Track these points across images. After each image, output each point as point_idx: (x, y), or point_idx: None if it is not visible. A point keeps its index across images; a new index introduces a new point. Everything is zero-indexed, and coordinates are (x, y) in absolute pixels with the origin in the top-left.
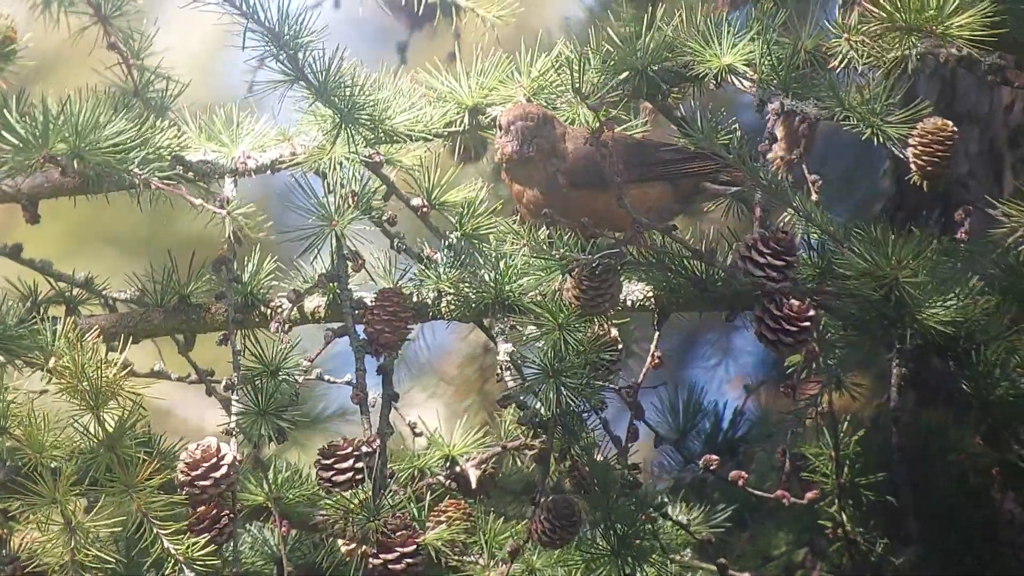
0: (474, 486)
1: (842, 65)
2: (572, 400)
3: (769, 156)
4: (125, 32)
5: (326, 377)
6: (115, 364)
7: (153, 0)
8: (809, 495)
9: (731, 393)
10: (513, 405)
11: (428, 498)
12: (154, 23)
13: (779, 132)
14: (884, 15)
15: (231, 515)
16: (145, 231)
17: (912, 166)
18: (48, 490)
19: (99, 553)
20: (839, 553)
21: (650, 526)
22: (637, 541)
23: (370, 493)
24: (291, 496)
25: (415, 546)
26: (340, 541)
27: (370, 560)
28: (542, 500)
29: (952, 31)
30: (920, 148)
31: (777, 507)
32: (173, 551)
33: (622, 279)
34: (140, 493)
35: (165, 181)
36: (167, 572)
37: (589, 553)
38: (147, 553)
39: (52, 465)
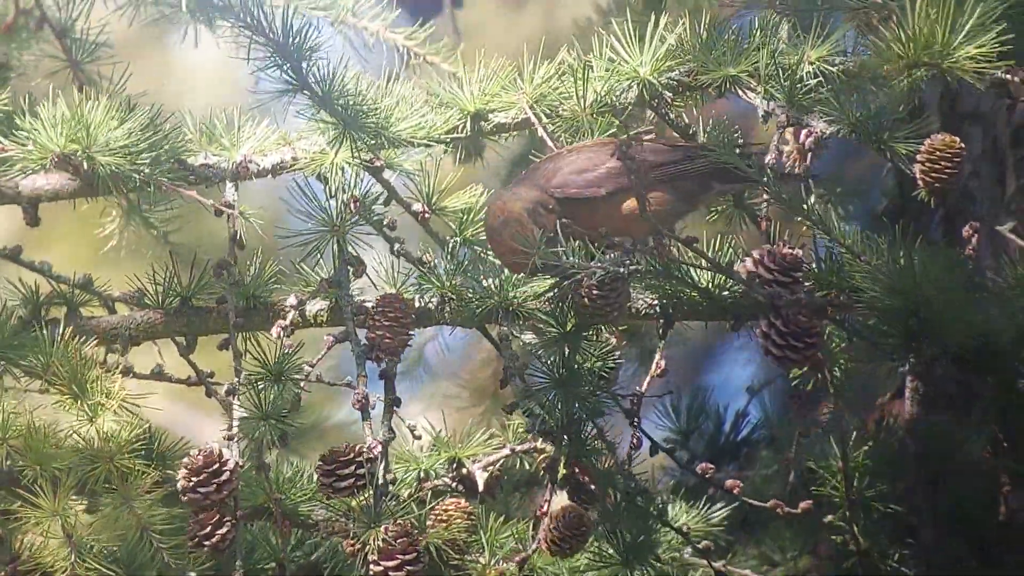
0: (481, 488)
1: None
2: (580, 409)
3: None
4: (95, 79)
5: (325, 380)
6: (115, 370)
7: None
8: (803, 505)
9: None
10: (520, 412)
11: (430, 501)
12: (125, 68)
13: (789, 139)
14: (889, 51)
15: (233, 521)
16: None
17: (919, 182)
18: (48, 502)
19: (99, 566)
20: (853, 568)
21: (656, 535)
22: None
23: (371, 499)
24: (292, 496)
25: (416, 553)
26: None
27: (371, 567)
28: (551, 510)
29: (960, 64)
30: (928, 164)
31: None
32: (173, 565)
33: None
34: (140, 505)
35: (174, 183)
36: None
37: (599, 562)
38: (148, 567)
39: (52, 475)
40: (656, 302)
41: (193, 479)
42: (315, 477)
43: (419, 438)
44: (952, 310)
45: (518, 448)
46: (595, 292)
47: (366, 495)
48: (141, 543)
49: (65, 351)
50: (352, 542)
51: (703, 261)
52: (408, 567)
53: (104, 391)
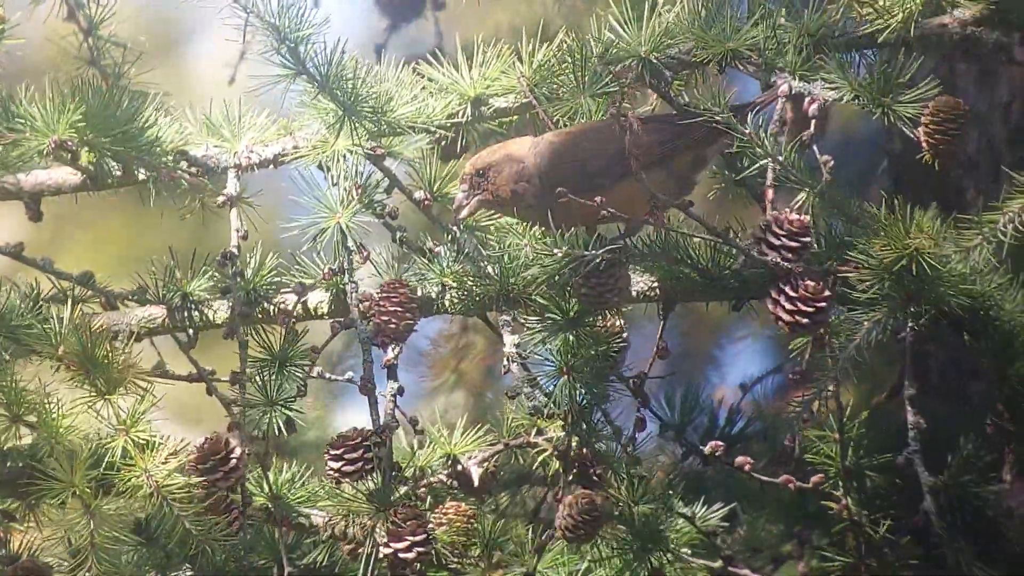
0: (476, 485)
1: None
2: (587, 395)
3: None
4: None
5: (327, 375)
6: (124, 352)
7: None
8: (814, 479)
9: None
10: (521, 397)
11: (429, 499)
12: None
13: (787, 114)
14: None
15: (241, 508)
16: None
17: (923, 144)
18: (64, 474)
19: (118, 535)
20: (842, 534)
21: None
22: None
23: (378, 484)
24: (292, 497)
25: (425, 535)
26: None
27: (380, 549)
28: (565, 497)
29: None
30: (932, 127)
31: (767, 499)
32: (195, 532)
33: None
34: (158, 475)
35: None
36: (189, 552)
37: (615, 550)
38: (167, 536)
39: (67, 450)
40: (656, 283)
41: (200, 467)
42: (325, 462)
43: (421, 432)
44: (943, 263)
45: (513, 443)
46: (592, 280)
47: (372, 481)
48: (161, 512)
49: (74, 329)
50: (350, 545)
51: (690, 236)
52: (418, 548)
53: (115, 364)
